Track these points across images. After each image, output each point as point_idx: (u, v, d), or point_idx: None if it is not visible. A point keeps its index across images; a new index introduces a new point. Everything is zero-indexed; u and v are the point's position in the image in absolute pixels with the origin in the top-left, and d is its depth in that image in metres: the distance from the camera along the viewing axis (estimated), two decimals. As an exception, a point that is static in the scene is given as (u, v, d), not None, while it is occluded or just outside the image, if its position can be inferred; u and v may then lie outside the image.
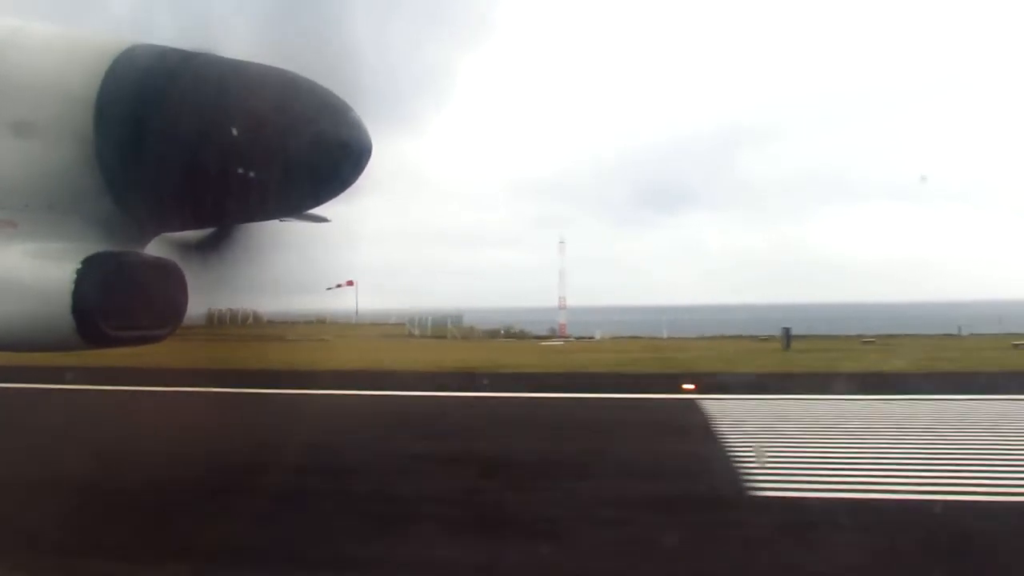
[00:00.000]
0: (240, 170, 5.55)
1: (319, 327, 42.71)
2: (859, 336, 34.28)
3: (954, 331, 37.02)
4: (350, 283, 42.57)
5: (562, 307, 51.71)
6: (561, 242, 53.26)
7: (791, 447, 8.68)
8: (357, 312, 51.29)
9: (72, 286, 5.41)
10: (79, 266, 5.47)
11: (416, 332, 41.61)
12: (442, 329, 41.78)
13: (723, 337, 37.26)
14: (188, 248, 6.32)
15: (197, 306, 6.44)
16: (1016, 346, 27.16)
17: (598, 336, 39.69)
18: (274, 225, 6.56)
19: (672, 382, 14.09)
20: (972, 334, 36.26)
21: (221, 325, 30.53)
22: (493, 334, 41.14)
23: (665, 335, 39.22)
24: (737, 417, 10.65)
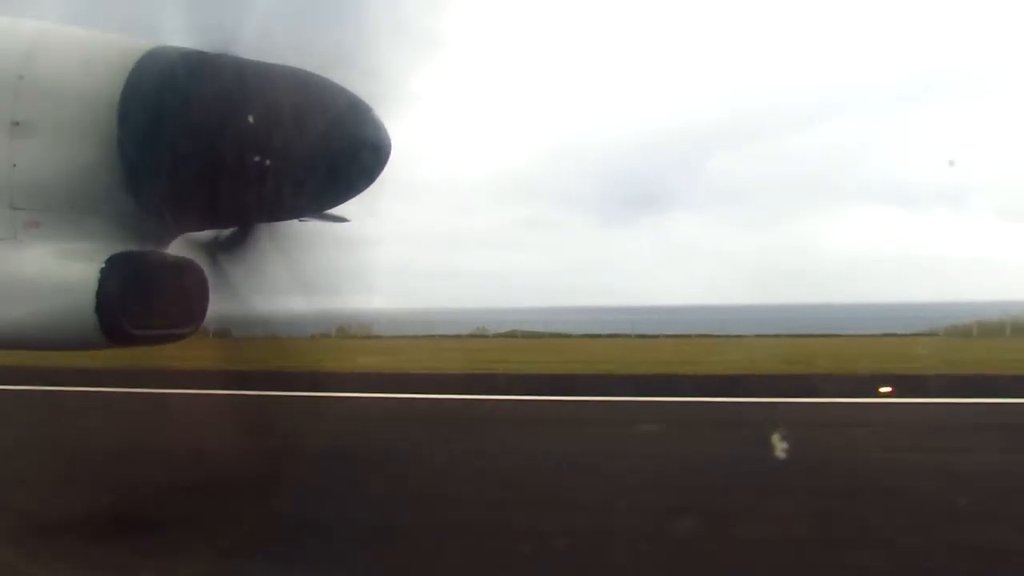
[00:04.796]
0: (263, 170, 5.58)
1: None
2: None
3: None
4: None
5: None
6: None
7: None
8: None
9: (96, 285, 5.41)
10: (103, 265, 5.48)
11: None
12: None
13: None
14: (210, 248, 6.35)
15: (219, 307, 6.46)
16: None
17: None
18: (295, 225, 6.59)
19: None
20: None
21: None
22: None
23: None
24: None
